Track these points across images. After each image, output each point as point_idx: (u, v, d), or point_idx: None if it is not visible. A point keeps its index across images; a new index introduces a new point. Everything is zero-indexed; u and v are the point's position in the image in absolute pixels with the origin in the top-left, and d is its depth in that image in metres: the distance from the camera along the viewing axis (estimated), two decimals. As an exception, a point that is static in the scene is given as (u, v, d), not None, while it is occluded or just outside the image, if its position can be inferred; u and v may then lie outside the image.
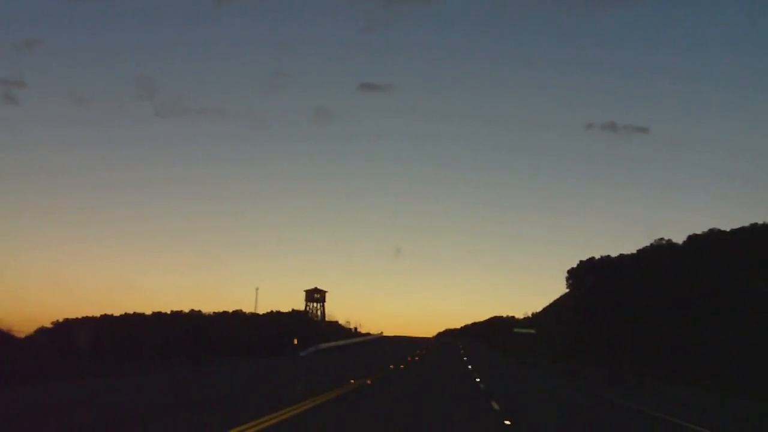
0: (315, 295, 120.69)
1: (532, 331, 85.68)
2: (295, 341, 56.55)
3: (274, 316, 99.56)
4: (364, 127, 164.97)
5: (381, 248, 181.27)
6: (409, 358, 54.21)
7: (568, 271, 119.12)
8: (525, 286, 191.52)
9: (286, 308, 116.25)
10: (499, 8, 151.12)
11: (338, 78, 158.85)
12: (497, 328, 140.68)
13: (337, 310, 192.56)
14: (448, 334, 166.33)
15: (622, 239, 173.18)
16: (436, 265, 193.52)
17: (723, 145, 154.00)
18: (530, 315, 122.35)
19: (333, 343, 72.63)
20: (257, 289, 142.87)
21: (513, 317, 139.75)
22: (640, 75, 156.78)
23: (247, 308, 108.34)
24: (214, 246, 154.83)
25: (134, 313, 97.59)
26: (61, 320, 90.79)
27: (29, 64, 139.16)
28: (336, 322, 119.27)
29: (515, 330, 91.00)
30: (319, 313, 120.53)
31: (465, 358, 63.25)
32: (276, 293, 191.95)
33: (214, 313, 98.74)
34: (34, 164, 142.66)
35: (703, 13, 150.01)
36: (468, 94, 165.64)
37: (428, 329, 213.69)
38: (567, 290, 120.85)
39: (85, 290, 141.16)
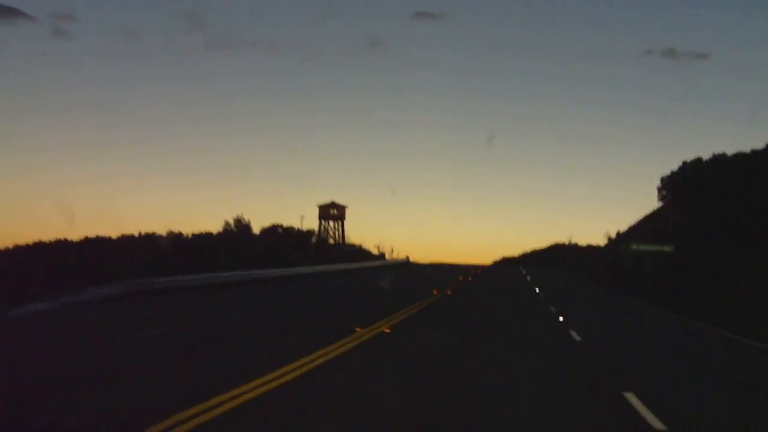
0: (331, 211, 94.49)
1: (667, 248, 55.77)
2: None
3: (265, 234, 74.13)
4: (417, 56, 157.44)
5: (429, 177, 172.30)
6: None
7: (663, 180, 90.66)
8: (583, 213, 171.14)
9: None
10: None
11: (391, 6, 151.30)
12: (563, 253, 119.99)
13: (370, 235, 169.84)
14: (505, 263, 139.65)
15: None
16: (486, 194, 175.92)
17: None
18: (612, 237, 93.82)
19: (227, 274, 41.40)
20: (302, 216, 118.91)
21: (576, 244, 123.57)
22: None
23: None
24: (265, 176, 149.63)
25: (96, 236, 72.58)
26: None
27: None
28: (358, 246, 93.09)
29: (633, 247, 59.70)
30: (337, 233, 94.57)
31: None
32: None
33: (192, 234, 73.31)
34: (84, 99, 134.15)
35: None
36: (525, 23, 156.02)
37: (481, 258, 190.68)
38: (660, 204, 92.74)
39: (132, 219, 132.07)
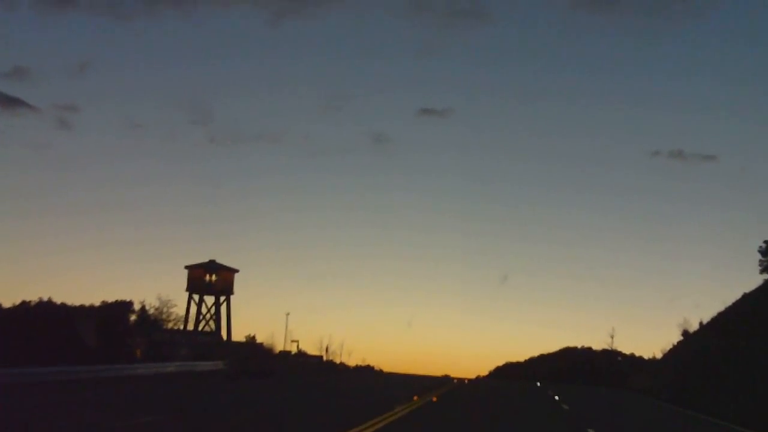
0: (206, 278, 55.48)
1: None
2: None
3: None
4: (422, 152, 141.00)
5: (423, 285, 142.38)
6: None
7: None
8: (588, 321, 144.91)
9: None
10: (561, 27, 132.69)
11: (396, 103, 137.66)
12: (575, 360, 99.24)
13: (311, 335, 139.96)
14: (510, 370, 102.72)
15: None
16: (486, 301, 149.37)
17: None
18: (689, 329, 54.61)
19: None
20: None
21: (590, 348, 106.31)
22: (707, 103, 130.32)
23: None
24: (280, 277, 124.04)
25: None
26: None
27: (82, 89, 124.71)
28: (250, 339, 53.56)
29: None
30: (212, 318, 55.16)
31: None
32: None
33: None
34: (88, 191, 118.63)
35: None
36: (530, 118, 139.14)
37: (474, 367, 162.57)
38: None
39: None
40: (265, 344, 54.05)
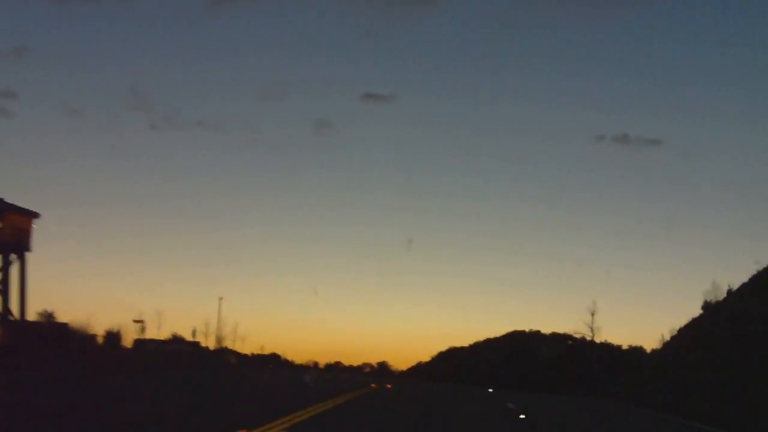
0: None
1: None
2: None
3: None
4: (366, 137, 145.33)
5: (382, 262, 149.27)
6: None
7: None
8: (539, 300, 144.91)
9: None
10: (506, 13, 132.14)
11: (339, 87, 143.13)
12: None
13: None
14: (454, 356, 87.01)
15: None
16: (425, 280, 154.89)
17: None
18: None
19: None
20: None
21: (538, 331, 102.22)
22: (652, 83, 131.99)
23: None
24: (216, 264, 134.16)
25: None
26: None
27: (19, 74, 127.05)
28: (46, 318, 34.46)
29: None
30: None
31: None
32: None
33: None
34: (25, 176, 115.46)
35: (722, 17, 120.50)
36: (475, 103, 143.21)
37: (415, 353, 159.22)
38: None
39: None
40: (71, 325, 35.08)
